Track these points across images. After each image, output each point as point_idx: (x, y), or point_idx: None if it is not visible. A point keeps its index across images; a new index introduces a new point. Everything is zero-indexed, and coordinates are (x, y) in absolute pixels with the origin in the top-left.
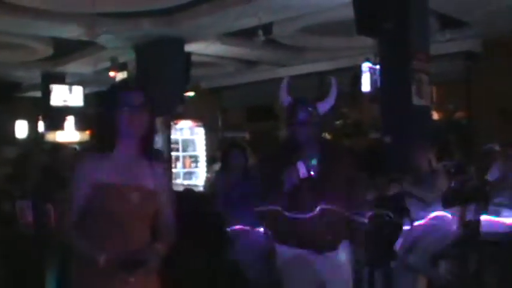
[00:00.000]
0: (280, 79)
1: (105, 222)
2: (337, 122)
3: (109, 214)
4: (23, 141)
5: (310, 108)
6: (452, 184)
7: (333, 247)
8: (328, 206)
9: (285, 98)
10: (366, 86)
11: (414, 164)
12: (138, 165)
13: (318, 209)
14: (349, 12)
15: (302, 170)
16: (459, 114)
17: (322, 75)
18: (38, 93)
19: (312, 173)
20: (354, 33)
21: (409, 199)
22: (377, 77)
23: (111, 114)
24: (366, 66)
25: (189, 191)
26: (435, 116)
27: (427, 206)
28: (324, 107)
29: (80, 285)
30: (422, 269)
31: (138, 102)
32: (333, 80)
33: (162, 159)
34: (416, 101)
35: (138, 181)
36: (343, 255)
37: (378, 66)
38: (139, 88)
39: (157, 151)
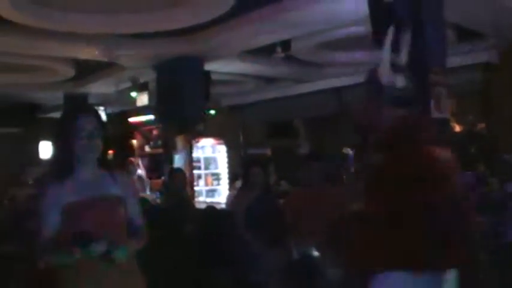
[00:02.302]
0: (300, 95)
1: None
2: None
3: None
4: (47, 162)
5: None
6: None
7: None
8: None
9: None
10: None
11: None
12: (100, 179)
13: None
14: (367, 27)
15: None
16: (480, 126)
17: (341, 91)
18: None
19: None
20: (373, 47)
21: None
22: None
23: (67, 140)
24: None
25: (211, 209)
26: (456, 128)
27: None
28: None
29: None
30: None
31: (92, 127)
32: None
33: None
34: (435, 114)
35: (104, 192)
36: None
37: None
38: (92, 111)
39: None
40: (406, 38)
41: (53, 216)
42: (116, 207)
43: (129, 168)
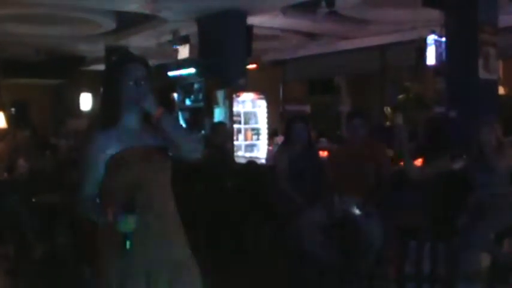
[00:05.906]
0: (343, 52)
1: (126, 190)
2: (400, 96)
3: (126, 182)
4: (88, 113)
5: None
6: None
7: None
8: None
9: None
10: (430, 59)
11: (480, 139)
12: (144, 131)
13: None
14: None
15: None
16: None
17: (384, 49)
18: (102, 67)
19: None
20: (419, 5)
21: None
22: (442, 50)
23: (114, 87)
24: (431, 38)
25: (253, 164)
26: (501, 91)
27: (494, 183)
28: None
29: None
30: (486, 247)
31: (140, 74)
32: None
33: None
34: (483, 74)
35: (147, 143)
36: None
37: (443, 39)
38: (141, 60)
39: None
40: None
41: (95, 168)
42: (160, 157)
43: None
